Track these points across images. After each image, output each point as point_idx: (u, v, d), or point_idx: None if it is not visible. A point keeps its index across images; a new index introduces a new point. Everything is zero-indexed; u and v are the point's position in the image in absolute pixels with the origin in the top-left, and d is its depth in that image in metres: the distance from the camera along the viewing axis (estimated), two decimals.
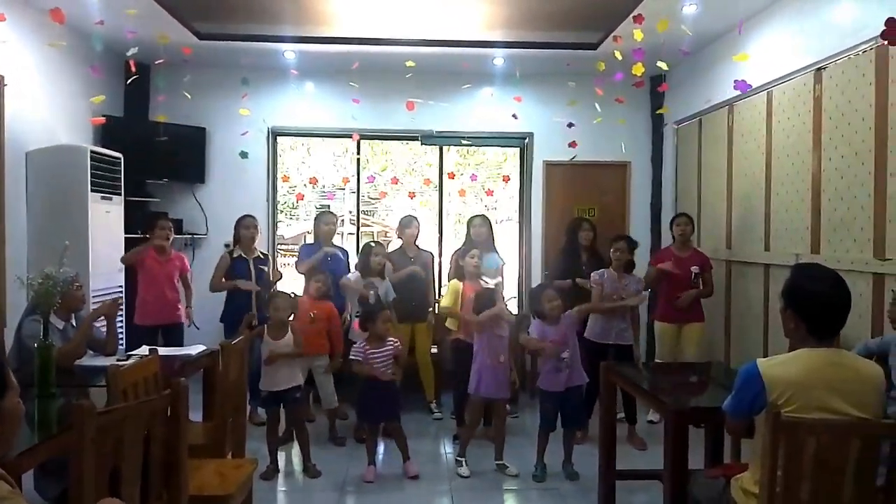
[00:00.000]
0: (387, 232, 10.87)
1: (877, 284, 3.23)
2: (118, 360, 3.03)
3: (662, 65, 4.33)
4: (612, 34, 4.62)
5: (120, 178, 4.86)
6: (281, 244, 7.18)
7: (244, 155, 5.29)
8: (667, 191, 5.87)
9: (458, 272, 4.48)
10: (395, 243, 5.37)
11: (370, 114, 5.70)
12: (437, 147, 6.20)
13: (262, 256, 4.83)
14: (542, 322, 3.73)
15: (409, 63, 4.93)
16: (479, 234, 4.71)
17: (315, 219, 5.04)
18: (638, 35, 4.01)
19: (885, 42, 2.97)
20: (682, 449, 2.43)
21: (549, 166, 6.00)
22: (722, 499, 2.15)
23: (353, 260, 4.96)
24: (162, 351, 3.25)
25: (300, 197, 8.59)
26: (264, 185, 5.89)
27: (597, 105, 4.75)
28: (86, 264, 4.35)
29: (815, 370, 1.88)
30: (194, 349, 3.59)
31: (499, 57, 5.37)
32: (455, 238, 7.21)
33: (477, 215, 4.91)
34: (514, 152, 6.47)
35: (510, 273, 5.40)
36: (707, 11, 4.23)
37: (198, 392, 3.24)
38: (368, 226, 10.44)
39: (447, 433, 4.43)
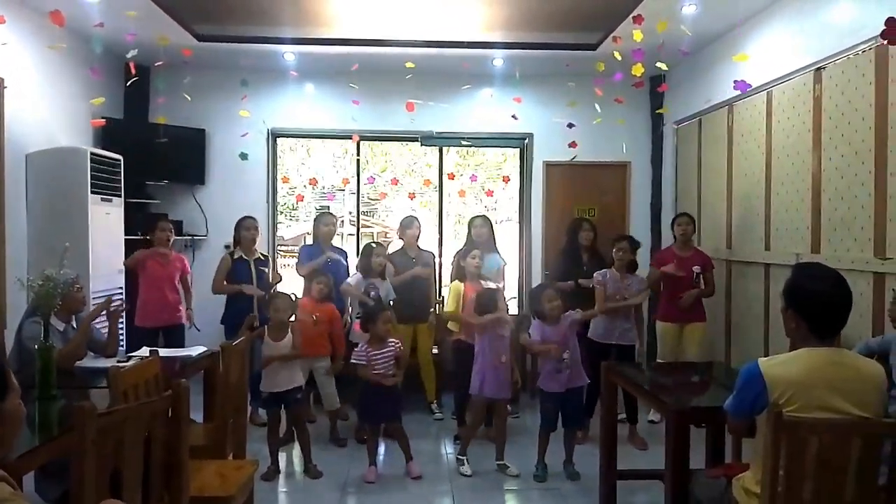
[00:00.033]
0: (387, 233, 10.87)
1: (877, 283, 3.23)
2: (118, 362, 3.03)
3: (662, 65, 4.34)
4: (612, 35, 4.63)
5: (120, 179, 4.86)
6: (281, 245, 7.17)
7: (244, 156, 5.29)
8: (667, 191, 5.87)
9: (459, 273, 4.48)
10: (395, 244, 5.37)
11: (370, 115, 5.71)
12: (437, 148, 6.20)
13: (262, 258, 4.83)
14: (543, 322, 3.73)
15: (409, 64, 4.93)
16: (480, 235, 4.71)
17: (314, 220, 5.04)
18: (637, 35, 4.01)
19: (885, 42, 2.97)
20: (684, 449, 2.43)
21: (549, 167, 6.00)
22: (723, 498, 2.15)
23: (353, 261, 4.96)
24: (162, 352, 3.25)
25: (300, 198, 8.59)
26: (264, 187, 5.90)
27: (597, 105, 4.75)
28: (86, 266, 4.35)
29: (816, 369, 1.88)
30: (195, 350, 3.59)
31: (498, 58, 5.37)
32: (455, 239, 7.21)
33: (478, 216, 4.91)
34: (513, 153, 6.47)
35: (510, 273, 5.40)
36: (706, 12, 4.23)
37: (198, 393, 3.24)
38: (368, 227, 10.44)
39: (448, 433, 4.43)
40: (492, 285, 4.25)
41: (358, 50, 5.13)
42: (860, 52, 3.37)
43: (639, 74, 4.10)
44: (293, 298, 4.00)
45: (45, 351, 2.56)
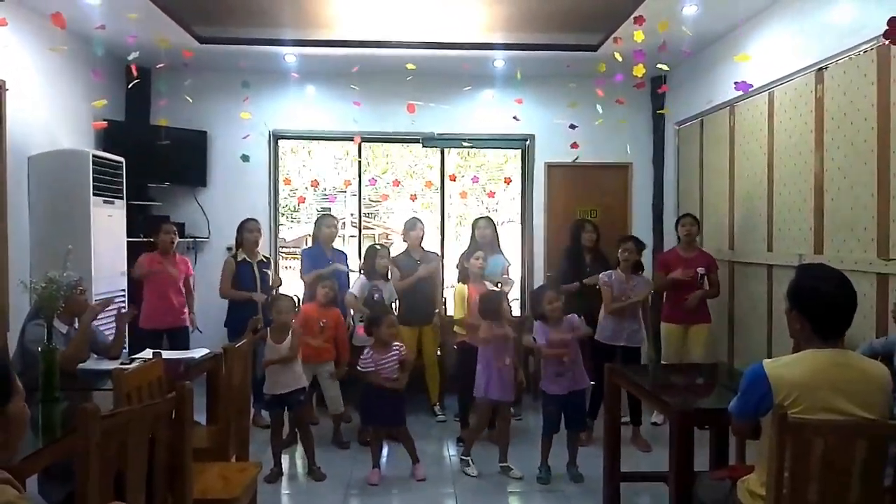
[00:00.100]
0: (388, 234, 10.86)
1: (881, 284, 3.23)
2: (122, 364, 3.02)
3: (663, 66, 4.33)
4: (613, 35, 4.63)
5: (122, 181, 4.86)
6: (283, 247, 7.16)
7: (245, 158, 5.29)
8: (668, 192, 5.87)
9: (463, 275, 4.48)
10: (397, 245, 5.37)
11: (371, 116, 5.71)
12: (439, 149, 6.20)
13: (264, 260, 4.84)
14: (544, 324, 3.73)
15: (410, 66, 4.93)
16: (484, 236, 4.72)
17: (315, 222, 5.04)
18: (638, 36, 4.01)
19: (887, 41, 2.97)
20: (688, 451, 2.43)
21: (551, 168, 6.00)
22: (728, 501, 2.14)
23: (353, 262, 4.96)
24: (165, 354, 3.24)
25: (301, 200, 8.58)
26: (266, 189, 5.90)
27: (598, 106, 4.75)
28: (88, 268, 4.34)
29: (820, 371, 1.87)
30: (198, 353, 3.59)
31: (499, 59, 5.37)
32: (456, 240, 7.20)
33: (482, 217, 4.92)
34: (515, 154, 6.47)
35: (512, 275, 5.39)
36: (707, 12, 4.23)
37: (201, 395, 3.24)
38: (370, 228, 10.43)
39: (451, 435, 4.42)
40: (495, 287, 4.25)
41: (359, 52, 5.14)
42: (862, 52, 3.37)
43: (640, 75, 4.10)
44: (295, 300, 4.00)
45: (49, 353, 2.55)
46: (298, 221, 10.81)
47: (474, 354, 3.90)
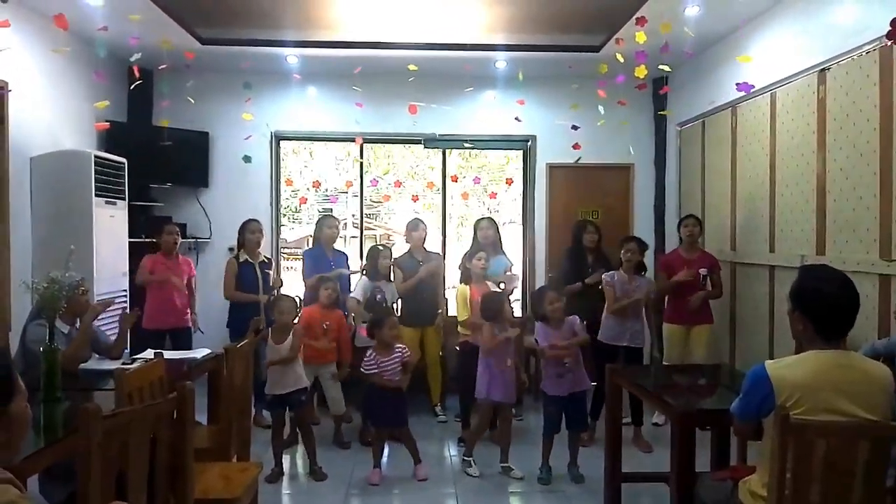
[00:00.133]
0: (389, 235, 10.88)
1: (883, 285, 3.22)
2: (123, 364, 3.03)
3: (665, 67, 4.33)
4: (615, 37, 4.63)
5: (124, 182, 4.87)
6: (284, 248, 7.17)
7: (247, 159, 5.30)
8: (670, 193, 5.86)
9: (465, 275, 4.48)
10: (398, 246, 5.37)
11: (373, 117, 5.71)
12: (440, 150, 6.20)
13: (266, 260, 4.85)
14: (546, 325, 3.73)
15: (412, 67, 4.93)
16: (487, 237, 4.72)
17: (317, 223, 5.04)
18: (640, 37, 4.00)
19: (890, 42, 2.97)
20: (689, 451, 2.43)
21: (553, 169, 6.00)
22: (729, 501, 2.14)
23: (353, 262, 4.96)
24: (167, 354, 3.25)
25: (303, 201, 8.60)
26: (267, 189, 5.90)
27: (600, 107, 4.75)
28: (90, 269, 4.35)
29: (822, 372, 1.87)
30: (199, 353, 3.59)
31: (501, 60, 5.38)
32: (458, 241, 7.19)
33: (484, 217, 4.91)
34: (516, 155, 6.47)
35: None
36: (709, 13, 4.23)
37: (203, 395, 3.23)
38: (371, 229, 10.44)
39: (452, 436, 4.42)
40: (497, 287, 4.24)
41: (361, 53, 5.14)
42: (864, 53, 3.36)
43: (642, 76, 4.09)
44: (297, 301, 4.00)
45: (50, 353, 2.56)
46: (300, 222, 10.82)
47: (476, 355, 3.90)
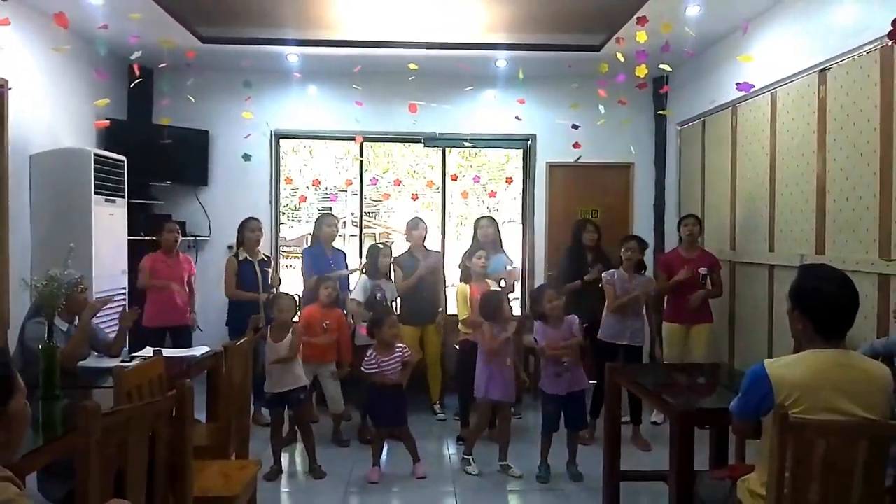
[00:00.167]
0: (389, 233, 10.86)
1: (882, 285, 3.22)
2: (122, 362, 3.03)
3: (665, 66, 4.33)
4: (615, 36, 4.62)
5: (123, 180, 4.87)
6: (283, 246, 7.17)
7: (247, 157, 5.30)
8: (670, 192, 5.86)
9: (465, 274, 4.48)
10: (398, 245, 5.37)
11: (373, 116, 5.71)
12: (440, 149, 6.20)
13: (265, 258, 4.85)
14: (545, 324, 3.73)
15: (412, 66, 4.93)
16: (487, 235, 4.72)
17: (316, 221, 5.04)
18: (641, 37, 4.00)
19: (890, 42, 2.97)
20: (688, 450, 2.43)
21: (552, 168, 6.00)
22: (728, 500, 2.14)
23: (352, 261, 4.96)
24: (166, 352, 3.24)
25: (303, 199, 8.58)
26: (267, 188, 5.90)
27: (600, 106, 4.75)
28: (89, 267, 4.35)
29: (822, 371, 1.87)
30: (198, 351, 3.59)
31: (501, 59, 5.37)
32: (457, 240, 7.19)
33: (484, 216, 4.92)
34: (516, 154, 6.46)
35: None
36: (710, 13, 4.22)
37: (202, 393, 3.24)
38: (371, 227, 10.43)
39: (451, 434, 4.43)
40: (497, 286, 4.25)
41: (361, 51, 5.14)
42: (865, 53, 3.36)
43: (642, 76, 4.10)
44: (296, 299, 4.00)
45: (49, 351, 2.56)
46: (299, 220, 10.81)
47: (475, 353, 3.90)
